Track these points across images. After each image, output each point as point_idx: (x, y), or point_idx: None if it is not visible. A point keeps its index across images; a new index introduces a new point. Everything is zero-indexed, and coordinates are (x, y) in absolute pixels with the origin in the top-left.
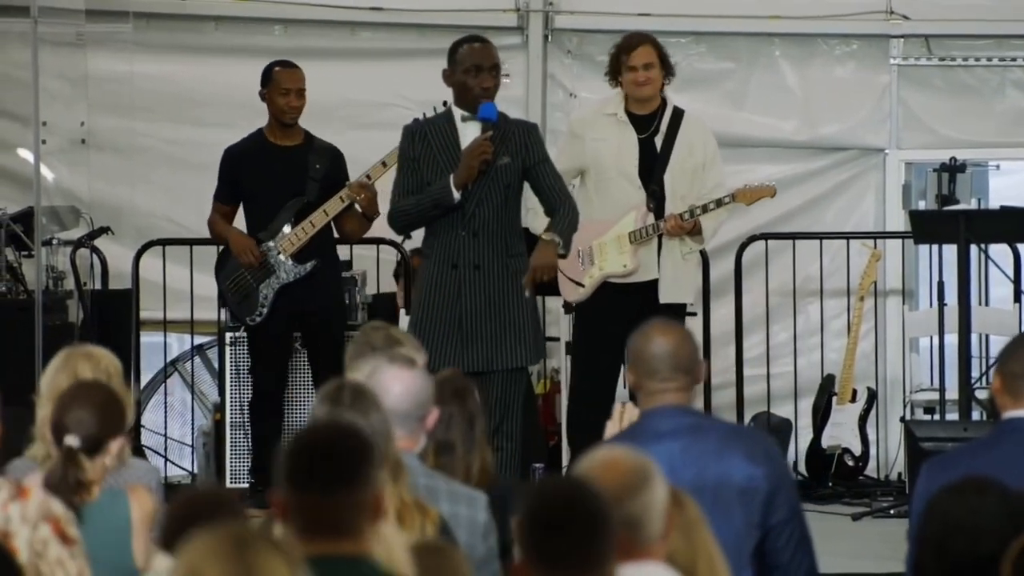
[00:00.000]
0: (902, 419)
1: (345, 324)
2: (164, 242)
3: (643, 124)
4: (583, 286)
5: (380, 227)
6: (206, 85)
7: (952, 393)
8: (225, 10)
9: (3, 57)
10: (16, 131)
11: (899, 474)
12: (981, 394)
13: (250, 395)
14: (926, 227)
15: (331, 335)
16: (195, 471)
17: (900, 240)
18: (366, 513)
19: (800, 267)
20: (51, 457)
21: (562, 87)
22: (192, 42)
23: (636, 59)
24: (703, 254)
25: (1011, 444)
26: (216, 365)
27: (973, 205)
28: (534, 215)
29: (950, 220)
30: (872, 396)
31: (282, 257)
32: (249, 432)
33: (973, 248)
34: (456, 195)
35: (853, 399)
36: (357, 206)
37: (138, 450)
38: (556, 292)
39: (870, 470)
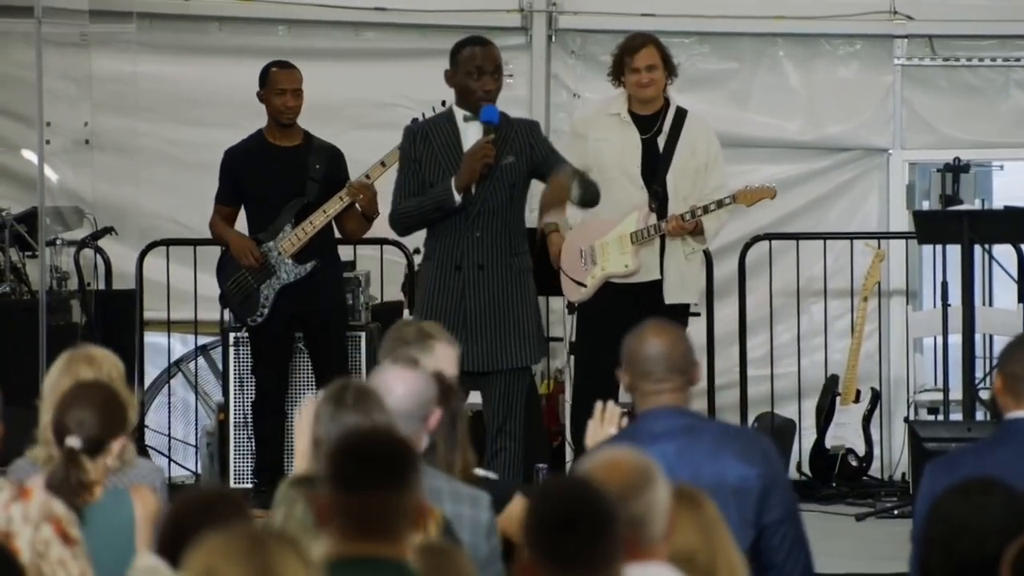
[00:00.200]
0: (906, 419)
1: (346, 324)
2: (168, 242)
3: (646, 124)
4: (585, 286)
5: (384, 228)
6: (210, 85)
7: (956, 393)
8: (229, 11)
9: (7, 57)
10: (20, 131)
11: (903, 474)
12: (985, 394)
13: (253, 395)
14: (930, 227)
15: (332, 335)
16: (199, 471)
17: (904, 240)
18: (407, 518)
19: (804, 267)
20: (52, 459)
21: (565, 87)
22: (196, 43)
23: (639, 61)
24: (707, 255)
25: (1014, 444)
26: (220, 365)
27: (977, 205)
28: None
29: (954, 220)
30: (876, 396)
31: (283, 257)
32: (253, 432)
33: (977, 248)
34: (457, 198)
35: (857, 399)
36: (357, 206)
37: (142, 450)
38: (559, 292)
39: (874, 470)
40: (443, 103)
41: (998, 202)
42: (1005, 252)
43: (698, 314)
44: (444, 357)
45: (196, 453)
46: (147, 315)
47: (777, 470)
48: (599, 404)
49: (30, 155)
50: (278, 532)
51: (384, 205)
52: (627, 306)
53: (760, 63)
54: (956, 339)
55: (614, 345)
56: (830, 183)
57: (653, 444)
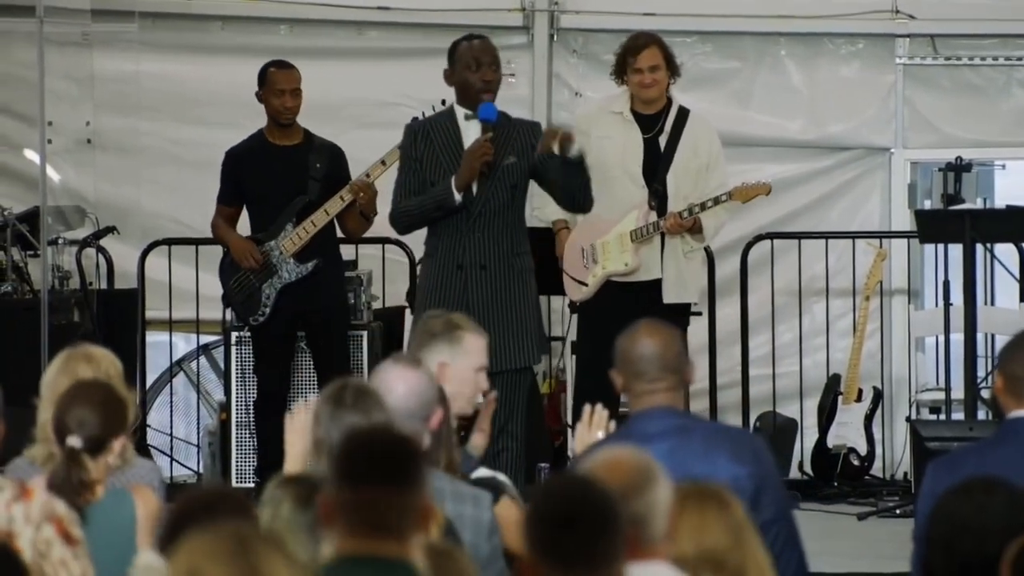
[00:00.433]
0: (908, 419)
1: (348, 323)
2: (170, 242)
3: (648, 123)
4: (587, 285)
5: (386, 227)
6: (212, 85)
7: (958, 392)
8: (231, 10)
9: (9, 57)
10: (22, 131)
11: (905, 474)
12: (987, 393)
13: (255, 395)
14: (932, 226)
15: (334, 334)
16: (201, 471)
17: (906, 239)
18: (414, 517)
19: (806, 266)
20: (51, 458)
21: (567, 86)
22: (198, 42)
23: (642, 62)
24: (708, 253)
25: (1016, 444)
26: (222, 365)
27: (979, 204)
28: (542, 204)
29: (956, 219)
30: (878, 396)
31: (284, 257)
32: (255, 432)
33: (979, 247)
34: (457, 197)
35: (859, 399)
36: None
37: (144, 450)
38: (561, 292)
39: (876, 470)
40: (443, 102)
41: (1000, 201)
42: (1007, 251)
43: (700, 313)
44: (473, 348)
45: (198, 452)
46: (149, 314)
47: (769, 469)
48: (587, 408)
49: (32, 155)
50: (264, 532)
51: (384, 204)
52: (628, 305)
53: (762, 62)
54: (958, 338)
55: (615, 344)
56: (832, 182)
57: (647, 445)
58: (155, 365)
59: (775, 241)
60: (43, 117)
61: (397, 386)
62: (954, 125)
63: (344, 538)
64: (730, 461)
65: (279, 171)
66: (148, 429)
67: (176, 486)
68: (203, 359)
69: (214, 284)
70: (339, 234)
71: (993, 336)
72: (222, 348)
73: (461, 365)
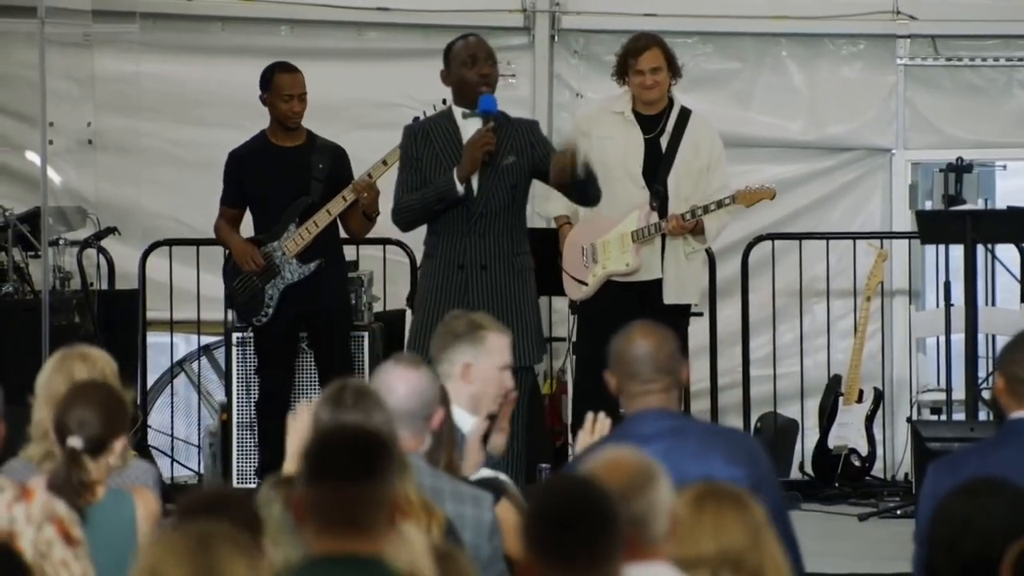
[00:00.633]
0: (909, 419)
1: (351, 324)
2: (170, 242)
3: (650, 124)
4: (587, 284)
5: (387, 228)
6: (213, 85)
7: (959, 393)
8: (231, 10)
9: (10, 58)
10: (23, 131)
11: (906, 474)
12: (988, 394)
13: (257, 395)
14: (933, 227)
15: (336, 335)
16: (202, 471)
17: (907, 240)
18: (383, 512)
19: (806, 267)
20: (49, 457)
21: (568, 87)
22: (198, 42)
23: (644, 63)
24: (710, 254)
25: (1017, 444)
26: (223, 365)
27: (980, 205)
28: (544, 200)
29: (957, 220)
30: (879, 396)
31: (287, 257)
32: (256, 432)
33: (980, 248)
34: (460, 188)
35: (860, 399)
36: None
37: (144, 450)
38: (562, 292)
39: (876, 470)
40: (444, 102)
41: (1001, 202)
42: (1008, 252)
43: (701, 314)
44: (497, 347)
45: (199, 453)
46: (150, 315)
47: (763, 470)
48: (590, 415)
49: (33, 155)
50: (226, 532)
51: (386, 204)
52: (628, 305)
53: (763, 63)
54: (959, 339)
55: (610, 345)
56: (833, 183)
57: (642, 446)
58: (156, 366)
59: (776, 242)
60: (44, 117)
61: (398, 386)
62: (955, 126)
63: (315, 537)
64: (725, 462)
65: (281, 172)
66: (149, 430)
67: (177, 487)
68: (204, 360)
69: (215, 285)
70: (343, 235)
71: (994, 337)
72: (223, 349)
73: (485, 365)
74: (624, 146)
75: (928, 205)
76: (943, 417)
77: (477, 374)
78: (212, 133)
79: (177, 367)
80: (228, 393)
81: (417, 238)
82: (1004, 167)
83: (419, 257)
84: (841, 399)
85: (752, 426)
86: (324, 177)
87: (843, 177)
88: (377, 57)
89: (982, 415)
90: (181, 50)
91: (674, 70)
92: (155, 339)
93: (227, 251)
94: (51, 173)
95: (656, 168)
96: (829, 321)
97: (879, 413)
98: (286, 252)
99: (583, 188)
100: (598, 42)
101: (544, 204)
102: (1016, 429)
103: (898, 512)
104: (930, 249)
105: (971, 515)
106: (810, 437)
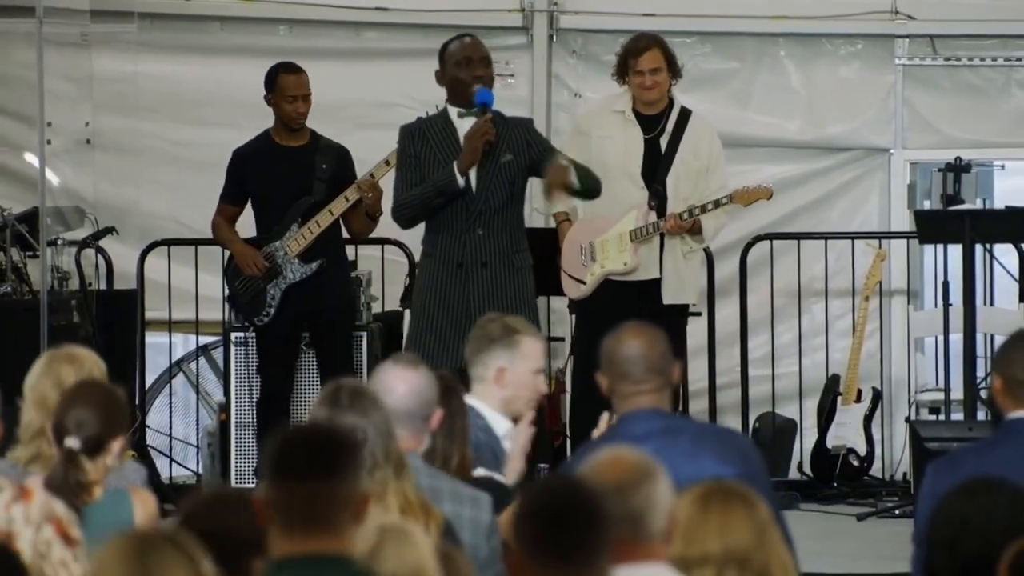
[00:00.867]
0: (907, 419)
1: (353, 324)
2: (169, 242)
3: (650, 124)
4: (584, 283)
5: (387, 227)
6: (211, 85)
7: (957, 393)
8: (230, 10)
9: (8, 58)
10: (21, 131)
11: (904, 474)
12: (986, 394)
13: (256, 395)
14: (931, 227)
15: (338, 335)
16: (200, 471)
17: (905, 240)
18: (347, 509)
19: (805, 267)
20: (36, 460)
21: (567, 87)
22: (197, 42)
23: (643, 64)
24: (708, 254)
25: (1016, 444)
26: (221, 365)
27: (978, 205)
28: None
29: (955, 220)
30: (877, 396)
31: (289, 257)
32: (255, 432)
33: (978, 248)
34: (460, 180)
35: (858, 399)
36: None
37: (143, 451)
38: (560, 292)
39: (875, 470)
40: (441, 104)
41: (999, 202)
42: (1006, 252)
43: (699, 314)
44: (531, 351)
45: (197, 453)
46: (148, 315)
47: (756, 469)
48: (605, 416)
49: (31, 155)
50: (172, 535)
51: (386, 204)
52: (626, 304)
53: (761, 63)
54: (957, 339)
55: (601, 346)
56: (831, 183)
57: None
58: (154, 366)
59: (774, 242)
60: (42, 117)
61: (397, 386)
62: (953, 126)
63: (280, 538)
64: (717, 461)
65: (284, 172)
66: (147, 430)
67: (175, 487)
68: (202, 360)
69: (213, 285)
70: (345, 235)
71: (992, 336)
72: (221, 349)
73: (519, 369)
74: (624, 146)
75: (926, 205)
76: (941, 417)
77: (511, 378)
78: (211, 133)
79: (176, 367)
80: (227, 393)
81: (416, 238)
82: (1002, 167)
83: (418, 257)
84: (839, 399)
85: (751, 426)
86: (327, 177)
87: (841, 177)
88: (376, 57)
89: (980, 415)
90: (179, 50)
91: (674, 70)
92: (153, 339)
93: (228, 253)
94: (49, 173)
95: (655, 168)
96: (827, 321)
97: (877, 413)
98: (288, 252)
99: (583, 197)
100: (596, 42)
101: (542, 200)
102: (1014, 429)
103: (896, 512)
104: (928, 249)
105: (970, 515)
106: (808, 437)
